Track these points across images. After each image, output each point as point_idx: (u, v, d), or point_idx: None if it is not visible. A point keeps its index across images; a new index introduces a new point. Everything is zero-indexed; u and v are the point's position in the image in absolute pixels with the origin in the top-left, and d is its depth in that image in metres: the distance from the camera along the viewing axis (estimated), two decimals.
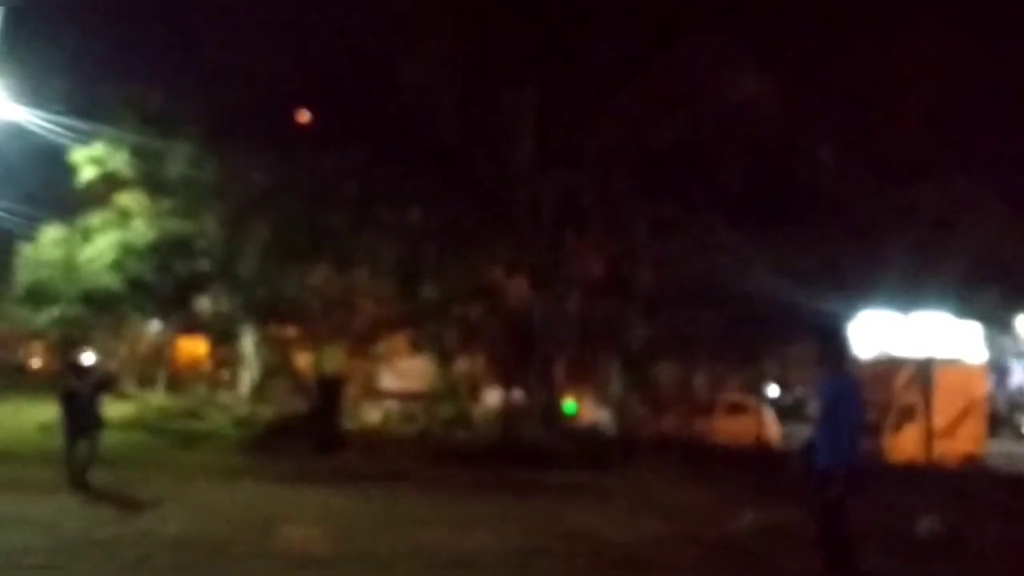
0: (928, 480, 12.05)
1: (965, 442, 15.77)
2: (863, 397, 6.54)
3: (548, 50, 15.55)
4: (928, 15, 16.04)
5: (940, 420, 14.87)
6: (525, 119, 16.10)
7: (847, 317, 16.89)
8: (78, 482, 10.10)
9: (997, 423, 19.29)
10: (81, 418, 10.18)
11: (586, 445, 15.71)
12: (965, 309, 18.67)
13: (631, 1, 15.58)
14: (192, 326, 24.95)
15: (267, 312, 18.39)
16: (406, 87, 15.52)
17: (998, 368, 20.75)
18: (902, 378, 17.17)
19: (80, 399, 10.25)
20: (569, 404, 20.01)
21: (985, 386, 18.53)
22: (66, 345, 13.55)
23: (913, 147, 16.34)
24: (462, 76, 15.39)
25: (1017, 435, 19.01)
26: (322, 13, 16.24)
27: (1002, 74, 16.76)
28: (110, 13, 20.21)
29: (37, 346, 33.12)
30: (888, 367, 17.82)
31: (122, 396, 10.87)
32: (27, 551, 7.36)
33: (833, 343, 6.37)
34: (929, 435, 13.45)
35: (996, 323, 20.90)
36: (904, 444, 16.03)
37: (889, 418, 16.66)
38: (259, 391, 22.30)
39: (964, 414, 16.60)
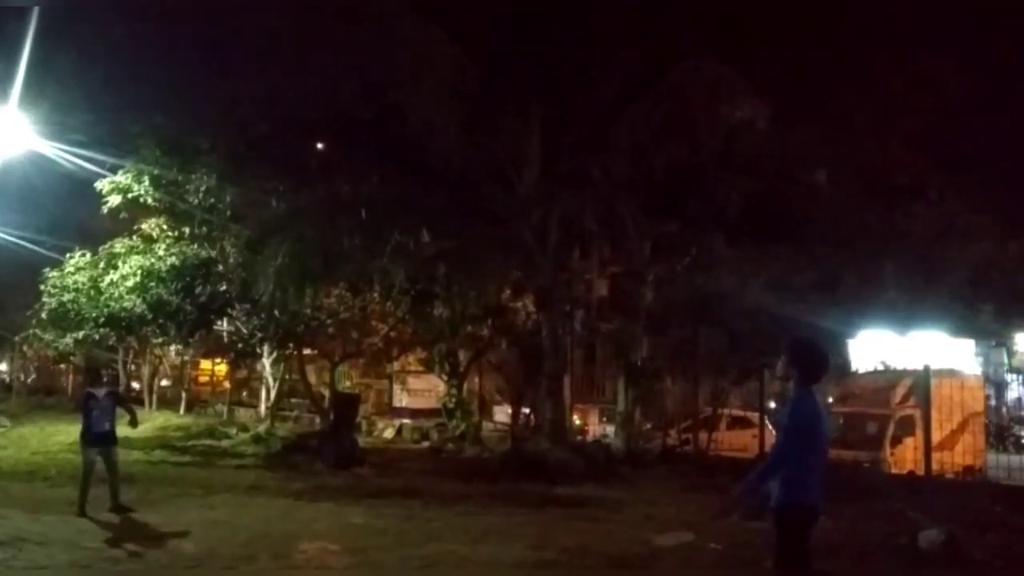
0: (928, 492, 12.18)
1: (964, 454, 15.90)
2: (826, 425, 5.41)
3: (551, 77, 15.93)
4: (921, 39, 16.46)
5: (939, 433, 15.01)
6: (530, 145, 16.49)
7: (844, 334, 17.24)
8: (115, 506, 10.42)
9: (996, 436, 19.45)
10: (97, 423, 10.54)
11: (594, 459, 15.86)
12: (961, 327, 18.94)
13: (631, 30, 15.97)
14: (212, 348, 25.36)
15: (284, 333, 18.70)
16: (413, 117, 15.96)
17: (996, 382, 20.96)
18: (900, 391, 17.42)
19: (97, 401, 10.65)
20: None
21: (983, 399, 18.71)
22: (89, 365, 14.04)
23: (907, 168, 16.71)
24: (467, 105, 15.78)
25: (1016, 447, 19.17)
26: (333, 47, 16.70)
27: (994, 95, 17.16)
28: (130, 46, 20.66)
29: (64, 369, 33.46)
30: (886, 380, 18.12)
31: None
32: (48, 568, 7.62)
33: (802, 357, 5.22)
34: (928, 447, 13.68)
35: (991, 340, 21.12)
36: (904, 456, 16.26)
37: (888, 430, 16.92)
38: (276, 410, 22.74)
39: (963, 426, 16.74)
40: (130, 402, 11.86)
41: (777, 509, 5.08)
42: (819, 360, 5.28)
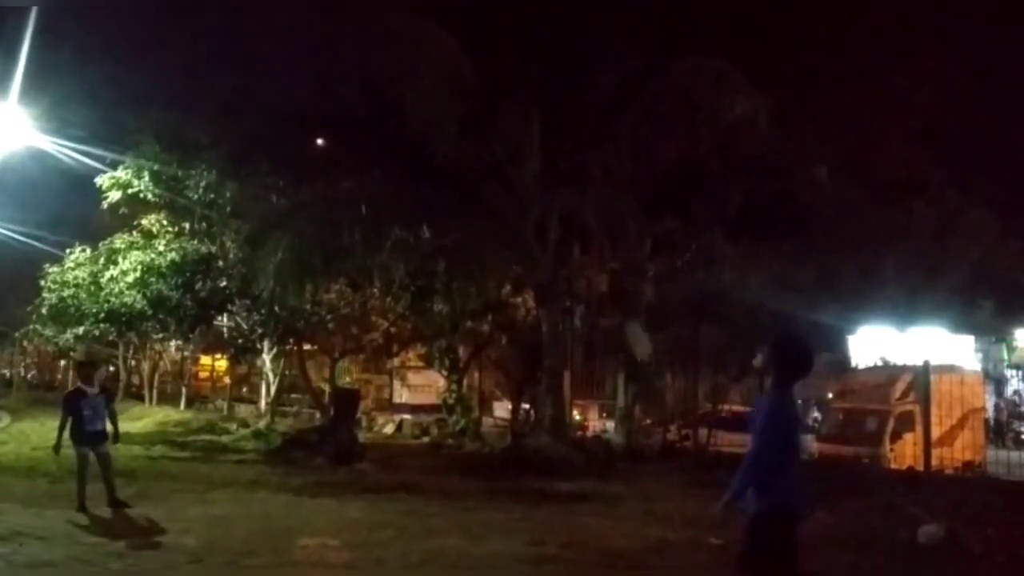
0: (928, 487, 12.18)
1: (963, 450, 15.90)
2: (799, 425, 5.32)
3: (551, 74, 15.91)
4: (924, 37, 16.43)
5: (938, 428, 15.00)
6: (530, 141, 16.48)
7: (844, 330, 17.29)
8: (112, 501, 10.37)
9: (996, 431, 19.47)
10: (91, 423, 10.34)
11: (593, 455, 15.90)
12: (960, 323, 18.98)
13: (632, 26, 15.95)
14: (212, 343, 25.38)
15: (284, 329, 18.70)
16: (412, 114, 15.95)
17: (996, 377, 21.00)
18: (900, 386, 17.43)
19: (89, 400, 10.45)
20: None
21: (983, 394, 18.72)
22: (87, 359, 14.08)
23: (908, 164, 16.71)
24: (466, 102, 15.77)
25: (1016, 443, 19.19)
26: (333, 43, 16.68)
27: (995, 91, 17.14)
28: (130, 42, 20.61)
29: (64, 365, 33.55)
30: (886, 375, 18.14)
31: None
32: (48, 564, 7.60)
33: (780, 356, 4.95)
34: (927, 443, 13.67)
35: (991, 335, 21.14)
36: (903, 452, 16.27)
37: (888, 426, 16.93)
38: (276, 405, 22.78)
39: (962, 422, 16.74)
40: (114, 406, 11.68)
41: (759, 515, 4.89)
42: (798, 361, 4.98)
